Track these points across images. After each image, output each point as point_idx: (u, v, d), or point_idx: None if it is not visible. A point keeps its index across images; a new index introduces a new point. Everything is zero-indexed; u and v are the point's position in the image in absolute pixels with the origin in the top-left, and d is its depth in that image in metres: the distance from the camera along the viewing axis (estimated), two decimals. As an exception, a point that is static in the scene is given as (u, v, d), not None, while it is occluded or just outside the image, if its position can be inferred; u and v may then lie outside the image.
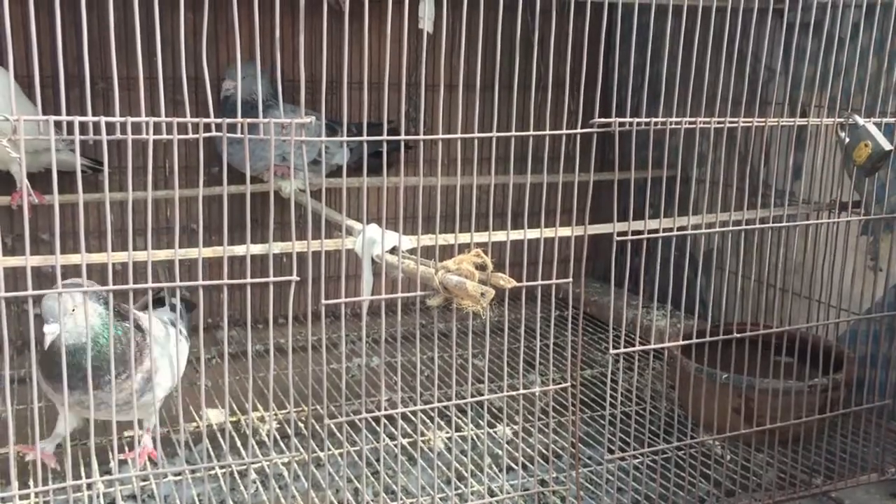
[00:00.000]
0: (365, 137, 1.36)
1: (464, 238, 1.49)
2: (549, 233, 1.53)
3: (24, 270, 1.18)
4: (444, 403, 1.47)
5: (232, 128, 1.19)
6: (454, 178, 2.19)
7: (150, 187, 1.28)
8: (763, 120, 1.61)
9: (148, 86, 1.15)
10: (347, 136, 2.60)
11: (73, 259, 1.38)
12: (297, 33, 1.19)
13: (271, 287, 1.28)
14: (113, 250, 1.24)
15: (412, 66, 2.52)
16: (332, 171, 2.51)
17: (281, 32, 1.23)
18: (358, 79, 1.35)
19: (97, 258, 1.45)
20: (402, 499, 1.67)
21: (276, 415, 1.94)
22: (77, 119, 1.09)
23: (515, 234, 1.63)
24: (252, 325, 1.42)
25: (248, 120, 1.18)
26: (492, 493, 1.65)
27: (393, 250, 1.59)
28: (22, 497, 1.61)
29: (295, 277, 1.27)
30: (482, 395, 1.55)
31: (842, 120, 1.73)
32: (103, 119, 1.09)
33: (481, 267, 1.37)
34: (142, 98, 1.15)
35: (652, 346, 1.61)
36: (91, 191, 2.04)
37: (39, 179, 2.19)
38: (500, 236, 1.70)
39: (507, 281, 1.36)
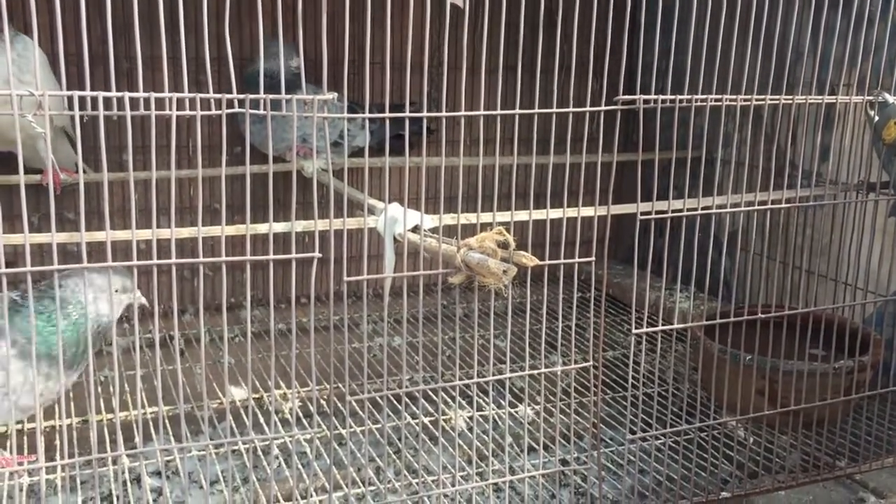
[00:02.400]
0: (387, 114, 1.35)
1: (486, 217, 1.48)
2: (571, 212, 1.52)
3: (51, 247, 1.19)
4: (466, 381, 1.47)
5: (255, 105, 1.19)
6: (476, 159, 2.19)
7: (174, 165, 1.28)
8: (790, 98, 1.59)
9: (171, 65, 1.15)
10: (370, 120, 2.61)
11: (97, 236, 1.39)
12: (319, 12, 1.18)
13: (293, 265, 1.28)
14: (137, 228, 1.25)
15: (434, 47, 2.51)
16: (354, 153, 2.52)
17: (303, 12, 1.22)
18: (380, 59, 1.34)
19: (122, 235, 1.46)
20: (423, 476, 1.68)
21: (298, 393, 1.96)
22: (101, 94, 1.09)
23: (538, 214, 1.62)
24: (275, 304, 1.42)
25: (271, 96, 1.18)
26: (513, 473, 1.65)
27: (415, 229, 1.59)
28: (48, 470, 1.64)
29: (317, 254, 1.27)
30: (503, 374, 1.54)
31: (871, 98, 1.71)
32: (127, 94, 1.09)
33: (503, 245, 1.37)
34: (165, 78, 1.15)
35: (675, 326, 1.60)
36: (115, 170, 2.08)
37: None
38: (522, 216, 1.69)
39: (529, 259, 1.36)
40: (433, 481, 1.62)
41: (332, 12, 1.19)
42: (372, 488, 1.70)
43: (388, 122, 2.74)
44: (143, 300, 1.71)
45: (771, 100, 1.57)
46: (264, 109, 1.19)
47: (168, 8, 1.16)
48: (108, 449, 1.64)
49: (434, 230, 1.56)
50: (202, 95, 1.15)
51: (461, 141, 1.43)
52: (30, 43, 1.89)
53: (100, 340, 1.69)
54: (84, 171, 1.94)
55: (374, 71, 2.29)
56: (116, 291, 1.63)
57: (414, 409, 1.88)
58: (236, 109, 1.17)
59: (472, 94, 1.39)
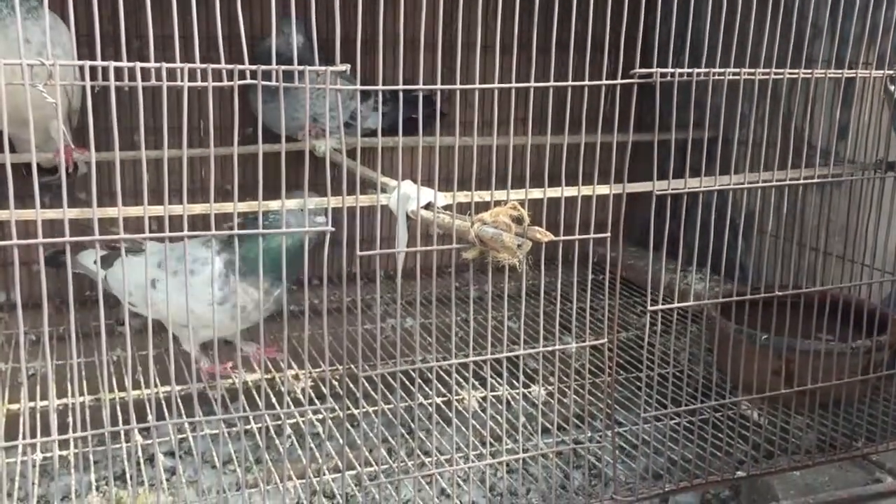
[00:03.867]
0: (400, 87, 1.34)
1: (500, 195, 1.47)
2: (586, 191, 1.50)
3: (62, 224, 1.19)
4: (478, 359, 1.46)
5: (267, 78, 1.18)
6: (489, 139, 2.17)
7: (186, 137, 1.28)
8: (809, 72, 1.56)
9: (182, 44, 1.14)
10: (382, 102, 2.59)
11: (109, 212, 1.38)
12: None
13: (306, 240, 1.27)
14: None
15: (447, 26, 2.48)
16: (366, 134, 2.50)
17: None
18: (392, 39, 1.33)
19: (133, 211, 1.45)
20: (436, 456, 1.67)
21: (310, 374, 1.95)
22: (112, 64, 1.08)
23: (552, 192, 1.61)
24: (290, 286, 1.41)
25: (283, 67, 1.17)
26: (526, 452, 1.64)
27: (428, 206, 1.58)
28: (61, 445, 1.63)
29: (329, 228, 1.27)
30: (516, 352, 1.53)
31: (891, 72, 1.68)
32: (138, 64, 1.09)
33: (517, 220, 1.35)
34: (177, 56, 1.14)
35: (690, 304, 1.59)
36: (127, 149, 2.06)
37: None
38: (536, 194, 1.67)
39: (543, 234, 1.34)
40: (446, 460, 1.61)
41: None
42: (384, 467, 1.70)
43: (400, 103, 2.74)
44: None
45: (789, 74, 1.55)
46: (276, 81, 1.17)
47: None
48: (121, 424, 1.63)
49: (447, 207, 1.55)
50: (214, 66, 1.14)
51: (475, 122, 1.41)
52: (57, 18, 1.90)
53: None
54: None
55: (385, 50, 2.28)
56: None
57: (426, 389, 1.87)
58: (248, 81, 1.16)
59: (484, 73, 1.38)
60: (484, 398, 1.87)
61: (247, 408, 1.88)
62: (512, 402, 1.95)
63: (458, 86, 1.38)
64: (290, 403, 1.83)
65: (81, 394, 1.88)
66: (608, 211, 1.66)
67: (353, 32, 1.31)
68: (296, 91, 1.65)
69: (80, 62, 1.07)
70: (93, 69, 1.10)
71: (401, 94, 2.57)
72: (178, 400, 1.81)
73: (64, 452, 1.68)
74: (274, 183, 1.33)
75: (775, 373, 1.85)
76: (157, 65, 1.10)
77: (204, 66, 1.12)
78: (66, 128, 2.15)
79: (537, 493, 1.80)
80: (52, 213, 1.48)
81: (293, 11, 1.21)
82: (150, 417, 1.38)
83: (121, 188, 1.18)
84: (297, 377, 2.02)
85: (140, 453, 1.73)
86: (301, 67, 1.19)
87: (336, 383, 2.04)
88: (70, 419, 1.68)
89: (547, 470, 1.73)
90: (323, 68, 1.21)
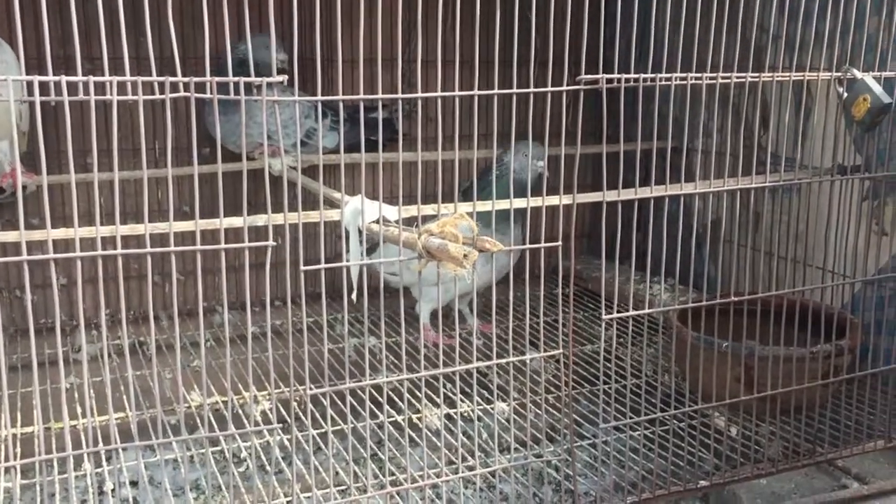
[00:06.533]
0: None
1: (448, 209, 1.45)
2: (535, 202, 1.49)
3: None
4: (429, 373, 1.43)
5: (202, 90, 1.16)
6: (452, 153, 2.17)
7: (117, 161, 1.25)
8: (757, 75, 1.56)
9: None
10: (343, 121, 2.58)
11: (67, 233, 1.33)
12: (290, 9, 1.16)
13: (247, 253, 1.24)
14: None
15: (406, 41, 2.48)
16: (331, 152, 2.48)
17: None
18: (349, 56, 1.31)
19: (84, 233, 1.41)
20: (395, 475, 1.64)
21: (255, 397, 1.92)
22: (36, 78, 1.05)
23: (502, 204, 1.59)
24: (245, 308, 1.37)
25: (217, 79, 1.15)
26: (485, 466, 1.61)
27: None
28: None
29: (272, 243, 1.24)
30: (474, 367, 1.50)
31: (840, 74, 1.68)
32: (64, 78, 1.06)
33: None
34: (106, 70, 1.11)
35: (645, 311, 1.57)
36: (79, 171, 2.03)
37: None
38: (486, 206, 1.66)
39: (492, 244, 1.33)
40: (404, 478, 1.58)
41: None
42: (341, 488, 1.66)
43: (361, 124, 2.73)
44: None
45: (737, 78, 1.55)
46: (211, 93, 1.15)
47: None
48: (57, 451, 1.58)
49: (397, 222, 1.53)
50: (144, 79, 1.11)
51: (438, 137, 1.40)
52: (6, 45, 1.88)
53: None
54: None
55: (343, 68, 2.27)
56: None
57: (378, 409, 1.83)
58: (181, 94, 1.13)
59: (444, 88, 1.37)
60: (446, 416, 1.84)
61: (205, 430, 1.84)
62: (472, 417, 1.92)
63: (409, 95, 1.37)
64: (232, 425, 1.79)
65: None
66: (573, 223, 1.66)
67: (310, 51, 1.29)
68: (249, 107, 1.63)
69: (2, 77, 1.04)
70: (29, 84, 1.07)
71: (361, 110, 2.56)
72: (131, 425, 1.77)
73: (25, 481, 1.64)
74: (233, 200, 1.31)
75: (736, 380, 1.83)
76: (85, 78, 1.07)
77: (134, 78, 1.10)
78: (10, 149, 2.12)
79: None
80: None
81: (248, 31, 1.20)
82: (114, 442, 1.34)
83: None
84: (242, 400, 1.98)
85: (90, 479, 1.68)
86: (236, 79, 1.16)
87: (279, 405, 1.99)
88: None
89: (507, 483, 1.70)
90: (259, 80, 1.19)
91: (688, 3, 1.47)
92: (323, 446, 1.84)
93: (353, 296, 1.52)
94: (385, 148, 2.63)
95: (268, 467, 1.75)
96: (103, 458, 1.79)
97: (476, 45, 1.30)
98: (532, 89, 1.39)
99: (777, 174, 1.78)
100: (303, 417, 1.85)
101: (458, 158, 1.91)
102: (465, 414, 1.95)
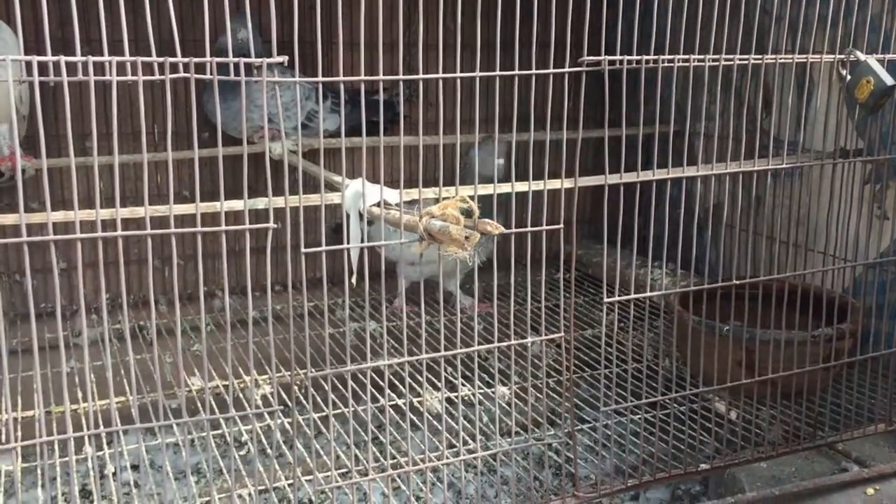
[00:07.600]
0: (344, 78, 1.31)
1: (449, 192, 1.44)
2: (537, 186, 1.48)
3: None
4: (431, 356, 1.43)
5: (203, 71, 1.15)
6: (453, 137, 2.16)
7: (117, 141, 1.24)
8: (759, 57, 1.55)
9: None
10: (344, 103, 2.57)
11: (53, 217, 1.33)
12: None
13: (248, 235, 1.24)
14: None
15: (406, 25, 2.47)
16: (331, 135, 2.48)
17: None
18: (349, 39, 1.30)
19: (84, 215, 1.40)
20: (396, 458, 1.64)
21: (256, 381, 1.92)
22: (35, 58, 1.04)
23: (504, 187, 1.58)
24: (247, 292, 1.37)
25: (217, 59, 1.14)
26: (486, 450, 1.61)
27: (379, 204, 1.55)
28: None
29: (273, 224, 1.23)
30: (476, 351, 1.50)
31: (843, 56, 1.67)
32: (63, 58, 1.05)
33: (468, 213, 1.33)
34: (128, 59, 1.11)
35: (647, 294, 1.57)
36: (78, 155, 2.03)
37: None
38: (488, 189, 1.65)
39: (494, 227, 1.32)
40: (405, 461, 1.58)
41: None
42: (343, 471, 1.66)
43: (363, 106, 2.72)
44: None
45: (739, 60, 1.54)
46: (211, 74, 1.14)
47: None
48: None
49: (398, 205, 1.53)
50: (144, 59, 1.10)
51: (439, 121, 1.39)
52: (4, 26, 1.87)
53: None
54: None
55: (345, 53, 2.27)
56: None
57: (379, 392, 1.83)
58: (181, 74, 1.13)
59: (446, 72, 1.35)
60: (447, 399, 1.84)
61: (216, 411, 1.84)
62: (474, 401, 1.92)
63: (408, 76, 1.36)
64: (233, 409, 1.80)
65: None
66: (574, 208, 1.65)
67: (311, 34, 1.29)
68: (249, 91, 1.62)
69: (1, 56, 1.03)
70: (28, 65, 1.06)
71: (363, 93, 2.55)
72: (131, 409, 1.77)
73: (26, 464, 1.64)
74: (233, 186, 1.30)
75: (737, 363, 1.83)
76: (84, 59, 1.07)
77: (133, 59, 1.09)
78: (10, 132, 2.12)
79: (492, 489, 1.77)
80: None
81: (248, 9, 1.19)
82: (115, 425, 1.34)
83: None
84: (243, 384, 1.99)
85: (93, 465, 1.69)
86: (235, 60, 1.15)
87: (285, 389, 2.00)
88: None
89: (507, 467, 1.71)
90: (259, 60, 1.18)
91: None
92: (324, 430, 1.85)
93: (353, 279, 1.52)
94: (386, 131, 2.62)
95: (269, 451, 1.76)
96: (104, 441, 1.80)
97: (477, 29, 1.29)
98: (534, 71, 1.38)
99: (779, 158, 1.77)
100: (304, 401, 1.85)
101: (459, 142, 1.92)
102: (466, 397, 1.95)
